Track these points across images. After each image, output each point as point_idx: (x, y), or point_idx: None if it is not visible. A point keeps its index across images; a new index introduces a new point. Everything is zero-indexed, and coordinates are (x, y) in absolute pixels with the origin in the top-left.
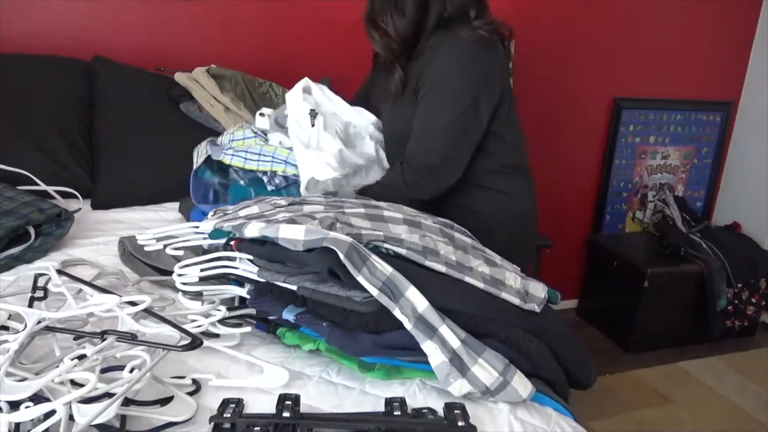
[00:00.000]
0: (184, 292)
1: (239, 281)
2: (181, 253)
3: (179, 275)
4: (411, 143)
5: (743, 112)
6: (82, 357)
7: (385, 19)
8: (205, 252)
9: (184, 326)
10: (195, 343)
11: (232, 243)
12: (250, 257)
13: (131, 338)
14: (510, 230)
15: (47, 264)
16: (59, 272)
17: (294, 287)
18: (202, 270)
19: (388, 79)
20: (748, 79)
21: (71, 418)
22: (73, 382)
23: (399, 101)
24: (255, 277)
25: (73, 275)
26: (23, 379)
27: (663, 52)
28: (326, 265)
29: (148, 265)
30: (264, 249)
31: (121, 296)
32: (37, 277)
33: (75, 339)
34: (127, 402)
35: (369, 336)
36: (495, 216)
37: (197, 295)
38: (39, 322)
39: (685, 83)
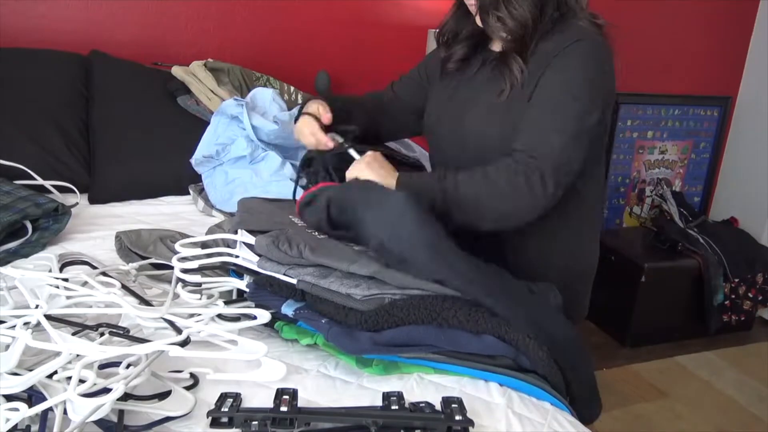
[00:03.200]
0: (184, 284)
1: (238, 273)
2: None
3: (180, 261)
4: (526, 138)
5: (741, 107)
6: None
7: (498, 6)
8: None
9: (185, 321)
10: (184, 341)
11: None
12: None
13: (124, 333)
14: (573, 288)
15: (49, 255)
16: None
17: (294, 281)
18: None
19: (495, 76)
20: (746, 74)
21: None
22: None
23: (491, 101)
24: (255, 268)
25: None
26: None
27: (661, 48)
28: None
29: (145, 259)
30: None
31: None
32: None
33: (73, 334)
34: (125, 397)
35: (367, 334)
36: (568, 268)
37: (196, 287)
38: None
39: (682, 78)
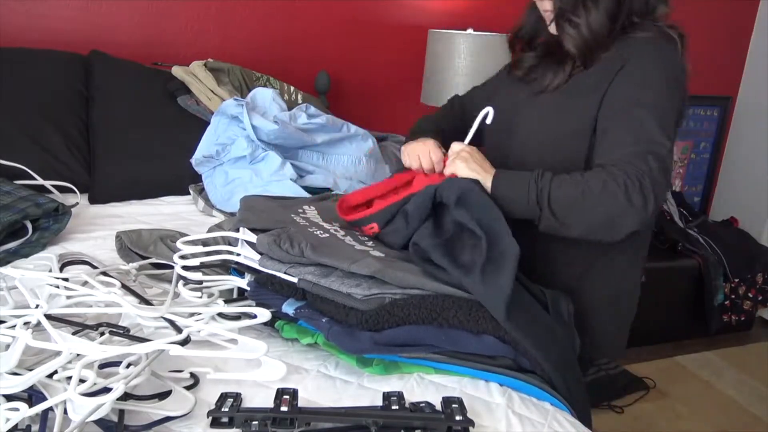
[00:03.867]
0: (185, 282)
1: (239, 271)
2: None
3: (180, 258)
4: (632, 159)
5: (741, 107)
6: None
7: (577, 12)
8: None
9: (185, 320)
10: (184, 340)
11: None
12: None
13: (124, 332)
14: (616, 315)
15: (48, 255)
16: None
17: (294, 279)
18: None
19: (545, 73)
20: (746, 75)
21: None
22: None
23: (550, 102)
24: (256, 266)
25: (88, 262)
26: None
27: None
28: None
29: (145, 259)
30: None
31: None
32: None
33: (73, 333)
34: (125, 396)
35: (368, 333)
36: (618, 288)
37: (197, 284)
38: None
39: None
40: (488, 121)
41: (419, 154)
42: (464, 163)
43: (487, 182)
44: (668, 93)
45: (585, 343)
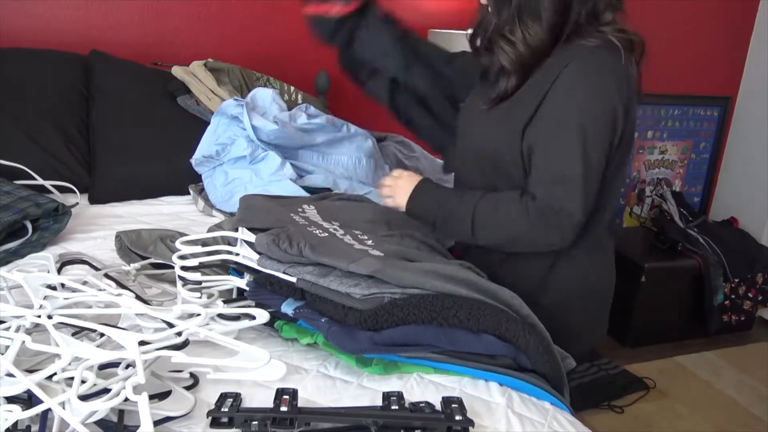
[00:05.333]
0: (184, 282)
1: (238, 271)
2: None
3: (179, 258)
4: (537, 184)
5: (741, 107)
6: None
7: (513, 30)
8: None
9: (184, 323)
10: (183, 343)
11: None
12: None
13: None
14: (588, 307)
15: (47, 255)
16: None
17: (293, 279)
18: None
19: (487, 84)
20: (746, 75)
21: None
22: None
23: (492, 112)
24: (255, 266)
25: (88, 262)
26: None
27: (661, 48)
28: None
29: (145, 259)
30: None
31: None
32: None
33: (73, 334)
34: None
35: (367, 333)
36: (584, 288)
37: (196, 284)
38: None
39: (683, 78)
40: None
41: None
42: (399, 192)
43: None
44: (599, 106)
45: (564, 338)
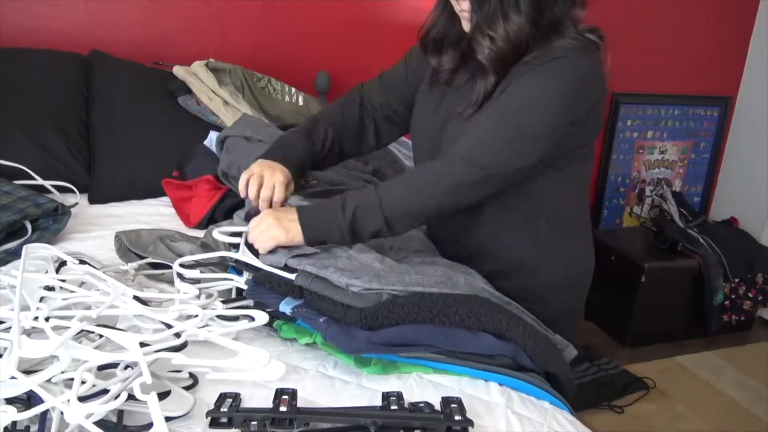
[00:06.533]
0: (183, 279)
1: (237, 270)
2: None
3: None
4: (466, 144)
5: (741, 107)
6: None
7: (493, 25)
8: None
9: (183, 324)
10: (181, 345)
11: None
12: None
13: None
14: (567, 295)
15: (46, 255)
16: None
17: (292, 276)
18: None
19: (470, 87)
20: (746, 75)
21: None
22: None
23: (473, 115)
24: (255, 263)
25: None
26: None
27: (661, 48)
28: None
29: (144, 259)
30: None
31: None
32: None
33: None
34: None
35: (365, 333)
36: (559, 274)
37: (195, 282)
38: (36, 318)
39: (683, 78)
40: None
41: (259, 184)
42: (260, 241)
43: (295, 239)
44: (561, 107)
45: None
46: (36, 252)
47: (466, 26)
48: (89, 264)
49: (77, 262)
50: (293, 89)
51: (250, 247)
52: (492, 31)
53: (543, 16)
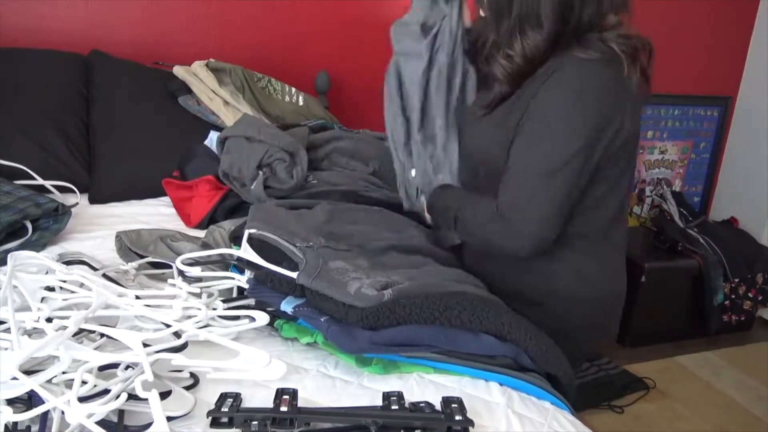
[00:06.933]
0: (184, 279)
1: (239, 268)
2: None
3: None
4: (504, 189)
5: (741, 107)
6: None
7: (511, 44)
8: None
9: (183, 324)
10: (181, 345)
11: None
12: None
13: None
14: (592, 314)
15: (46, 255)
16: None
17: (294, 275)
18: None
19: (483, 89)
20: (746, 75)
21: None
22: None
23: (488, 119)
24: (257, 261)
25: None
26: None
27: (661, 47)
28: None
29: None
30: None
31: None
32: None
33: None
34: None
35: (366, 333)
36: (586, 294)
37: (197, 281)
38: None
39: (683, 78)
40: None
41: None
42: None
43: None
44: (572, 120)
45: (560, 340)
46: (23, 260)
47: (486, 30)
48: (88, 264)
49: (66, 269)
50: (293, 89)
51: (252, 246)
52: (510, 50)
53: (568, 26)
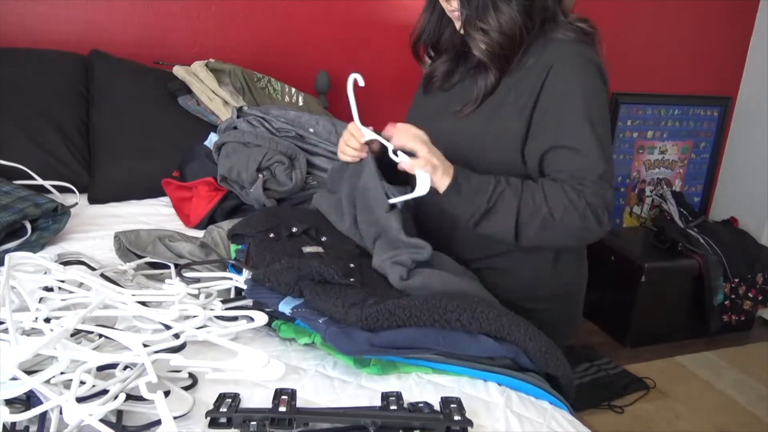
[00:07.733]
0: (182, 279)
1: (237, 268)
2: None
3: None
4: (590, 186)
5: (741, 107)
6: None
7: (484, 18)
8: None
9: (182, 325)
10: (180, 346)
11: None
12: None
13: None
14: (559, 304)
15: (45, 255)
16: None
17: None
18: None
19: (466, 86)
20: (746, 75)
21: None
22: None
23: (473, 113)
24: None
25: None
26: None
27: (661, 48)
28: None
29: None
30: None
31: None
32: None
33: (72, 335)
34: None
35: (365, 334)
36: (554, 284)
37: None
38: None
39: (683, 78)
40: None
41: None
42: (426, 147)
43: (441, 185)
44: (598, 101)
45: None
46: (19, 260)
47: (459, 25)
48: (87, 264)
49: (62, 269)
50: (293, 89)
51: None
52: (484, 24)
53: (533, 5)
